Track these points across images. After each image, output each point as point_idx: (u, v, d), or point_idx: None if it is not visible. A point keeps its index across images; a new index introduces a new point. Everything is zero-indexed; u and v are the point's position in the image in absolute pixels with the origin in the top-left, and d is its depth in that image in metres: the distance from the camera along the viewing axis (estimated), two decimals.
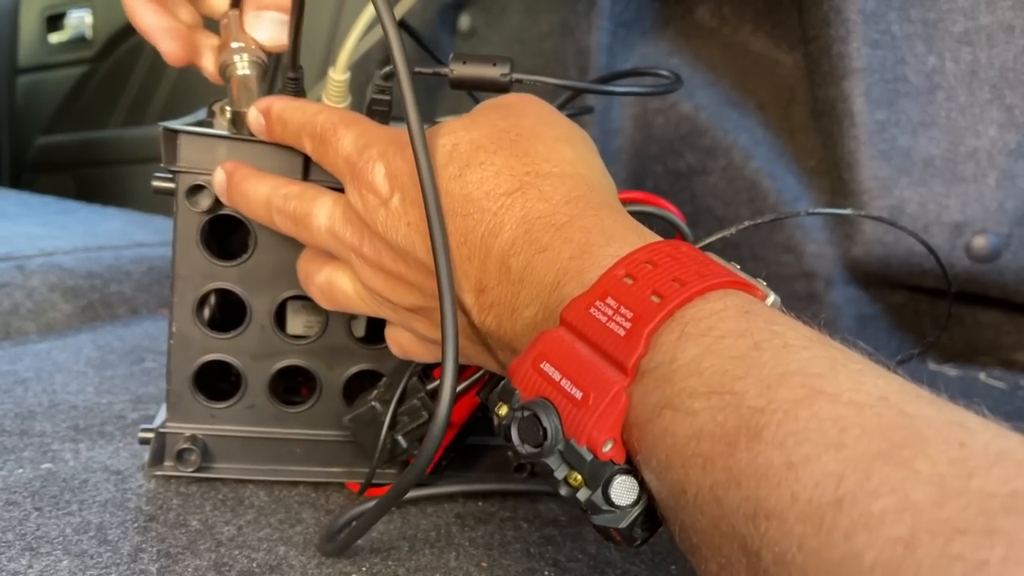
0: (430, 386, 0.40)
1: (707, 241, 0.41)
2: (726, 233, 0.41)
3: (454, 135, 0.33)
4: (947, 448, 0.19)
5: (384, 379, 0.42)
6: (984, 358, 0.70)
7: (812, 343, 0.24)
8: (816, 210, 0.47)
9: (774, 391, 0.22)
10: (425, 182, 0.31)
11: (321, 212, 0.35)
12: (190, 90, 1.38)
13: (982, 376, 0.67)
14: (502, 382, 0.28)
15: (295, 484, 0.43)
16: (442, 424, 0.30)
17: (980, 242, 0.64)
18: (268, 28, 0.40)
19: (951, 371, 0.69)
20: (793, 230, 0.69)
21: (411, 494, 0.42)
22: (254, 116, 0.38)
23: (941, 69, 0.65)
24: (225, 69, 0.39)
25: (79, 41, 1.53)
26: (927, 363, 0.70)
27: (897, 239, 0.66)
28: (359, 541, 0.38)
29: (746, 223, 0.41)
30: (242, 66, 0.39)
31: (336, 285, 0.37)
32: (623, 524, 0.25)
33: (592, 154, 0.35)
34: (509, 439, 0.27)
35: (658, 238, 0.30)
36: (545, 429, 0.26)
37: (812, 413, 0.21)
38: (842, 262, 0.69)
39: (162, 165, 0.40)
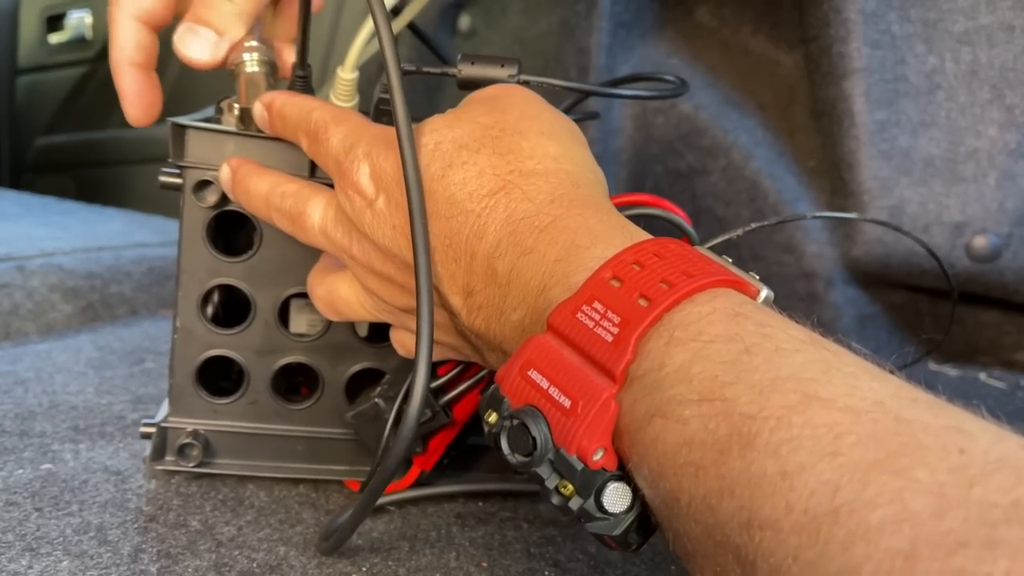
0: (434, 383, 0.40)
1: (712, 243, 0.41)
2: (732, 235, 0.41)
3: (437, 133, 0.32)
4: (946, 455, 0.18)
5: (387, 376, 0.42)
6: (984, 358, 0.69)
7: (804, 345, 0.23)
8: (821, 214, 0.47)
9: (766, 397, 0.21)
10: (411, 185, 0.30)
11: (315, 212, 0.35)
12: (190, 91, 1.38)
13: (982, 376, 0.67)
14: (491, 388, 0.28)
15: (295, 484, 0.43)
16: (413, 424, 0.30)
17: (980, 242, 0.64)
18: (199, 46, 0.38)
19: (951, 371, 0.69)
20: (793, 231, 0.69)
21: (411, 493, 0.42)
22: (259, 110, 0.38)
23: (941, 69, 0.65)
24: (234, 67, 0.39)
25: (79, 41, 1.53)
26: (927, 363, 0.70)
27: (897, 239, 0.66)
28: (359, 541, 0.38)
29: (753, 225, 0.41)
30: (251, 64, 0.39)
31: (337, 293, 0.37)
32: (617, 531, 0.25)
33: (578, 147, 0.34)
34: (499, 448, 0.27)
35: (647, 236, 0.29)
36: (534, 438, 0.25)
37: (806, 420, 0.20)
38: (842, 262, 0.69)
39: (170, 160, 0.40)
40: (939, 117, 0.65)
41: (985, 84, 0.64)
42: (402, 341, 0.38)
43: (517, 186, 0.31)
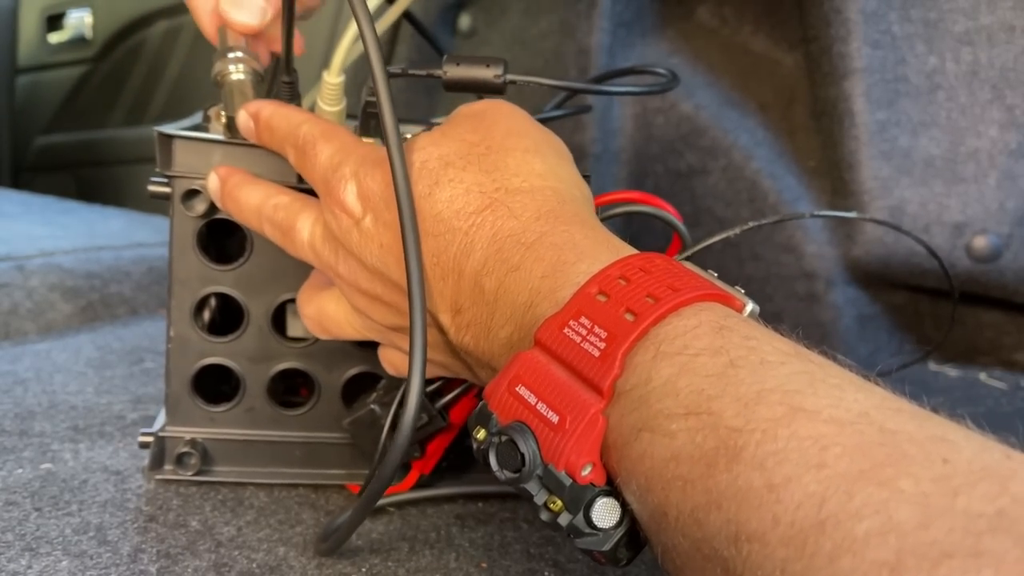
0: (431, 387, 0.40)
1: (709, 242, 0.40)
2: (729, 234, 0.41)
3: (423, 151, 0.32)
4: (930, 465, 0.18)
5: (383, 381, 0.41)
6: (985, 358, 0.69)
7: (789, 357, 0.23)
8: (820, 212, 0.48)
9: (752, 410, 0.21)
10: (403, 203, 0.30)
11: (304, 227, 0.35)
12: (189, 90, 1.38)
13: (983, 376, 0.67)
14: (479, 405, 0.28)
15: (295, 485, 0.43)
16: (407, 434, 0.30)
17: (981, 242, 0.64)
18: (245, 9, 0.37)
19: (952, 371, 0.69)
20: (793, 230, 0.69)
21: (410, 494, 0.42)
22: (244, 119, 0.38)
23: (941, 69, 0.65)
24: (220, 76, 0.39)
25: (79, 41, 1.53)
26: (928, 364, 0.70)
27: (897, 239, 0.66)
28: (359, 542, 0.38)
29: (750, 224, 0.41)
30: (236, 72, 0.38)
31: (325, 312, 0.37)
32: (607, 547, 0.25)
33: (564, 164, 0.34)
34: (488, 464, 0.27)
35: (633, 250, 0.29)
36: (523, 455, 0.25)
37: (792, 432, 0.20)
38: (842, 262, 0.69)
39: (157, 170, 0.40)
40: (939, 117, 0.65)
41: (985, 84, 0.64)
42: (391, 360, 0.38)
43: (503, 203, 0.31)
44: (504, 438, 0.26)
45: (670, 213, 0.39)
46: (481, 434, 0.27)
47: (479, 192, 0.31)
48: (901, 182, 0.65)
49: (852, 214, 0.63)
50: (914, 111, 0.65)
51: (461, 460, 0.44)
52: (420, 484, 0.43)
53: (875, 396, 0.21)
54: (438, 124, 0.36)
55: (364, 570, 0.36)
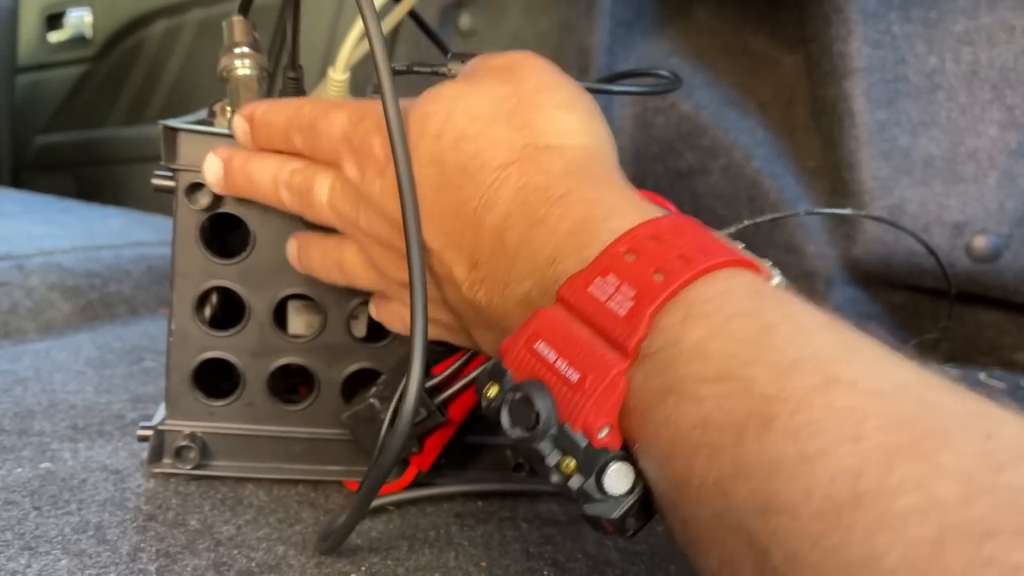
0: (430, 383, 0.39)
1: None
2: (724, 232, 0.41)
3: (449, 101, 0.32)
4: (972, 440, 0.18)
5: (383, 376, 0.41)
6: (984, 358, 0.69)
7: (825, 327, 0.22)
8: (815, 210, 0.48)
9: (786, 377, 0.20)
10: (406, 197, 0.30)
11: (322, 187, 0.35)
12: (189, 90, 1.38)
13: (982, 376, 0.67)
14: (493, 361, 0.27)
15: (294, 483, 0.43)
16: (408, 418, 0.30)
17: (980, 242, 0.64)
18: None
19: (951, 371, 0.69)
20: (794, 230, 0.69)
21: (410, 494, 0.42)
22: (239, 123, 0.37)
23: (941, 69, 0.65)
24: (226, 71, 0.39)
25: (78, 40, 1.53)
26: (927, 364, 0.70)
27: (897, 239, 0.66)
28: (358, 540, 0.38)
29: (745, 222, 0.42)
30: (243, 68, 0.39)
31: (345, 257, 0.37)
32: (616, 514, 0.24)
33: (596, 122, 0.33)
34: (498, 422, 0.26)
35: (662, 211, 0.28)
36: (538, 412, 0.24)
37: (827, 402, 0.20)
38: (842, 262, 0.69)
39: (162, 163, 0.40)
40: (939, 117, 0.65)
41: (985, 84, 0.64)
42: (401, 315, 0.37)
43: (531, 159, 0.30)
44: (519, 395, 0.25)
45: (671, 211, 0.39)
46: (493, 391, 0.26)
47: (507, 147, 0.30)
48: (901, 182, 0.65)
49: (847, 211, 0.63)
50: (914, 111, 0.65)
51: (460, 457, 0.44)
52: (418, 481, 0.43)
53: (912, 370, 0.21)
54: None
55: (363, 569, 0.36)
